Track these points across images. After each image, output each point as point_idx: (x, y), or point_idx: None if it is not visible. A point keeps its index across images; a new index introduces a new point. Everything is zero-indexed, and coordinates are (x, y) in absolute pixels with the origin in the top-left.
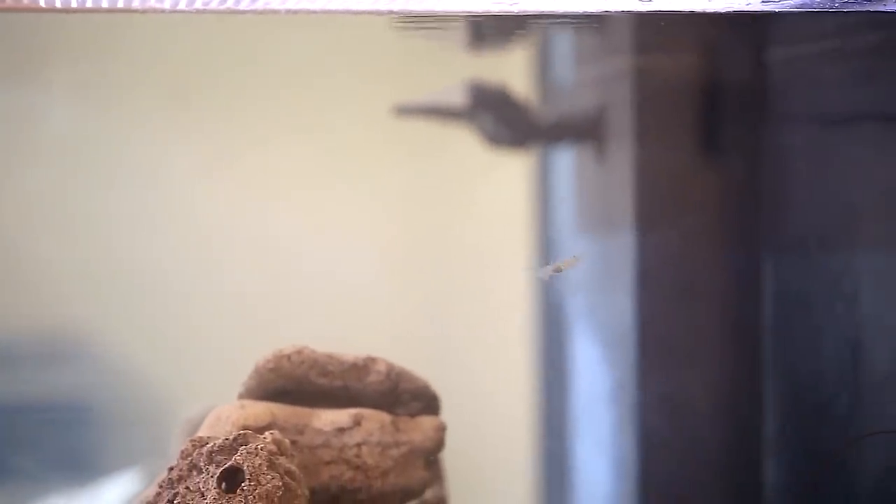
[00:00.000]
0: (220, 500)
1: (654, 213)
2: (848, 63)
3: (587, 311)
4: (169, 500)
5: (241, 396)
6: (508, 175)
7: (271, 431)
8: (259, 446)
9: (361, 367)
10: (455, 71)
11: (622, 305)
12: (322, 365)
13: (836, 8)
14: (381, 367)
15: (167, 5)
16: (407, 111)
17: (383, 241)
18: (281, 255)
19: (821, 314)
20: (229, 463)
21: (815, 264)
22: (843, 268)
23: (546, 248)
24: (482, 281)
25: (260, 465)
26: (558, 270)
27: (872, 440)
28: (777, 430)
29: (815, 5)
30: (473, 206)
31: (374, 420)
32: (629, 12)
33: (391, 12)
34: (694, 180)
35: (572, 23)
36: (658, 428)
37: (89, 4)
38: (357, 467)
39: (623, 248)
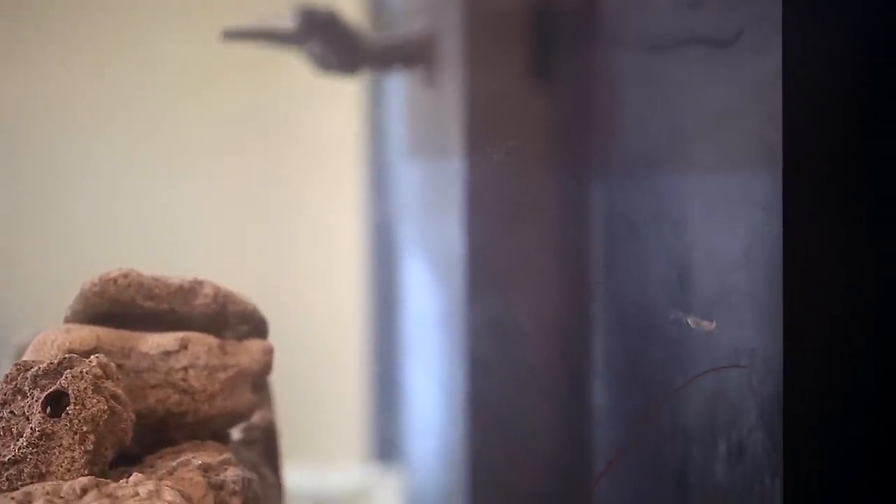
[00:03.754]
0: (44, 424)
1: (483, 137)
2: None
3: (417, 236)
4: None
5: (67, 320)
6: (338, 100)
7: (97, 355)
8: (84, 370)
9: (188, 291)
10: None
11: (451, 230)
12: (148, 288)
13: None
14: (209, 291)
15: None
16: (235, 35)
17: (212, 166)
18: (108, 179)
19: (649, 238)
20: (54, 387)
21: (643, 188)
22: (672, 192)
23: (377, 172)
24: (312, 206)
25: (85, 388)
26: (694, 323)
27: (700, 367)
28: (606, 354)
29: None
30: (303, 131)
31: (201, 343)
32: None
33: None
34: (524, 105)
35: None
36: (487, 351)
37: None
38: (184, 391)
39: (452, 172)
